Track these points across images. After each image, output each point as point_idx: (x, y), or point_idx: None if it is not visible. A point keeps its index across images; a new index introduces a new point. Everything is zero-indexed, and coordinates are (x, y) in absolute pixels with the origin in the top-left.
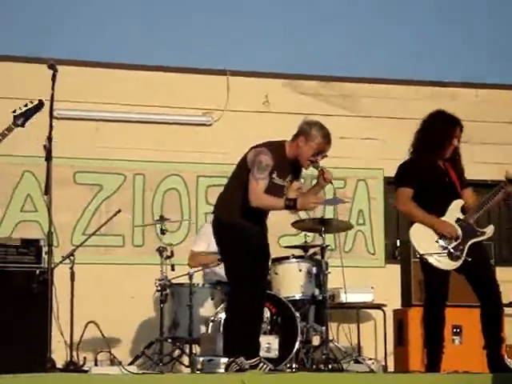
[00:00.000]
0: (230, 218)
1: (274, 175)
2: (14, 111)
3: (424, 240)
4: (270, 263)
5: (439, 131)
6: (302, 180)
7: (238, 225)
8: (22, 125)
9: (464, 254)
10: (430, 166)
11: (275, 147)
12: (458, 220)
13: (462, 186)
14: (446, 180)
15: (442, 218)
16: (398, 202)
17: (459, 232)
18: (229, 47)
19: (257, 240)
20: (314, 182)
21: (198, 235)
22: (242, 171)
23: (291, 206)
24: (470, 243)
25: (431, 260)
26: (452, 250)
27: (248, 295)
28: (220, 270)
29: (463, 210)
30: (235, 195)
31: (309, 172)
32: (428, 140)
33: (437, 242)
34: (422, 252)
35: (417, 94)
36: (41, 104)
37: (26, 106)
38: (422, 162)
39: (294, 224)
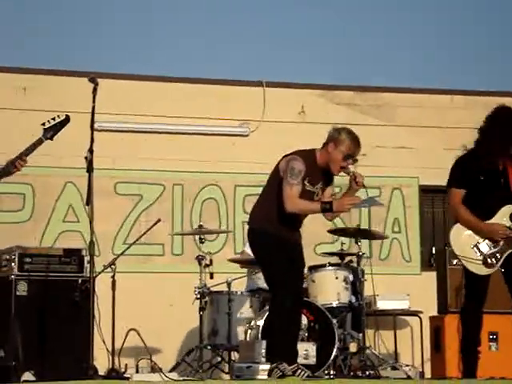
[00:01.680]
0: (264, 227)
1: (306, 181)
2: (44, 124)
3: (462, 243)
4: (306, 271)
5: (506, 126)
6: (337, 189)
7: (272, 233)
8: (51, 138)
9: (499, 263)
10: (486, 165)
11: (306, 154)
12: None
13: None
14: (501, 181)
15: (487, 223)
16: (449, 202)
17: (508, 232)
18: (265, 58)
19: (291, 247)
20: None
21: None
22: (275, 180)
23: (327, 208)
24: (508, 252)
25: (466, 264)
26: (488, 258)
27: (287, 302)
28: (260, 277)
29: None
30: (269, 204)
31: (346, 181)
32: (496, 136)
33: (476, 246)
34: (459, 253)
35: (451, 103)
36: (67, 119)
37: (53, 119)
38: (478, 159)
39: (330, 231)
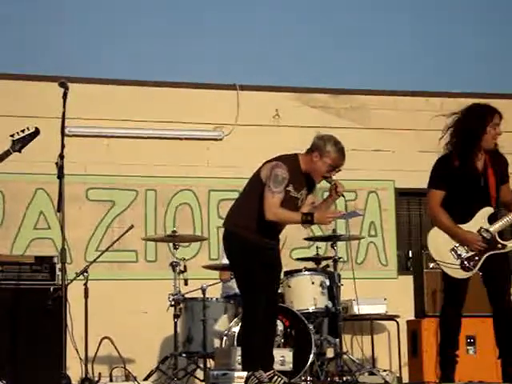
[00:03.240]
0: (241, 232)
1: (291, 188)
2: (13, 135)
3: (440, 247)
4: (282, 276)
5: (474, 121)
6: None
7: (249, 238)
8: (19, 150)
9: (477, 267)
10: (464, 165)
11: (290, 161)
12: (480, 229)
13: (501, 182)
14: (480, 182)
15: (466, 225)
16: (428, 204)
17: (483, 245)
18: (239, 61)
19: (267, 253)
20: (325, 194)
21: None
22: (256, 186)
23: (308, 220)
24: (487, 255)
25: (443, 267)
26: (465, 262)
27: (260, 308)
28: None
29: (490, 218)
30: (248, 211)
31: (320, 185)
32: (464, 132)
33: (453, 249)
34: (436, 258)
35: (426, 105)
36: (37, 132)
37: (22, 131)
38: (456, 159)
39: (307, 238)
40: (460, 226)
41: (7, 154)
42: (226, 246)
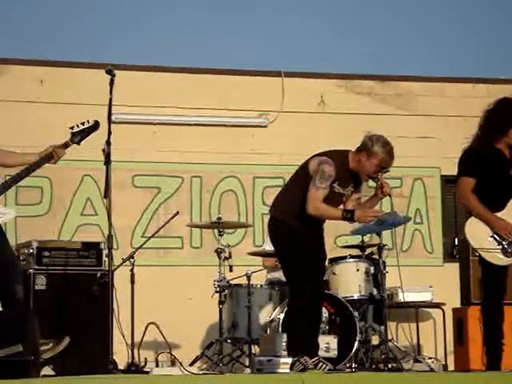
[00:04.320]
0: (286, 220)
1: (336, 184)
2: (72, 128)
3: (479, 234)
4: (326, 263)
5: (502, 115)
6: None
7: (294, 226)
8: (78, 143)
9: None
10: (493, 155)
11: (339, 158)
12: None
13: None
14: (509, 171)
15: (500, 213)
16: (458, 192)
17: None
18: (283, 48)
19: (312, 240)
20: (371, 181)
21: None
22: (303, 177)
23: (348, 217)
24: None
25: (485, 255)
26: (506, 246)
27: (306, 293)
28: (280, 270)
29: None
30: (293, 200)
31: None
32: (491, 125)
33: (492, 236)
34: (476, 247)
35: (473, 91)
36: (97, 125)
37: (82, 124)
38: (484, 149)
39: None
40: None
41: (66, 145)
42: (271, 232)
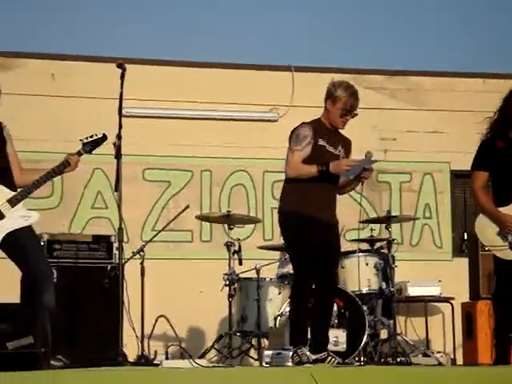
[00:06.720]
0: (293, 208)
1: (323, 142)
2: (82, 140)
3: (487, 230)
4: (337, 255)
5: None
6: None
7: (301, 216)
8: (90, 152)
9: None
10: (503, 148)
11: (312, 121)
12: None
13: None
14: None
15: (505, 208)
16: (472, 185)
17: None
18: (294, 43)
19: (322, 229)
20: (380, 175)
21: None
22: None
23: (324, 170)
24: None
25: (494, 251)
26: None
27: (304, 294)
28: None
29: None
30: (296, 187)
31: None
32: (501, 117)
33: (499, 232)
34: (485, 243)
35: (483, 86)
36: (105, 137)
37: (91, 136)
38: (500, 141)
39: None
40: (503, 207)
41: (79, 153)
42: (279, 224)
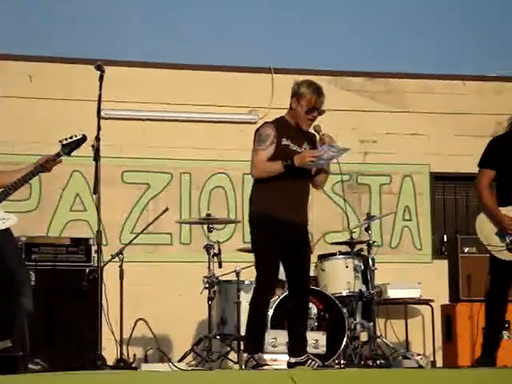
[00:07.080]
0: (260, 209)
1: (287, 141)
2: (61, 141)
3: (487, 230)
4: (316, 259)
5: None
6: (348, 176)
7: (267, 215)
8: (69, 154)
9: None
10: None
11: (275, 120)
12: None
13: None
14: None
15: (505, 208)
16: (477, 182)
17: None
18: (273, 45)
19: (289, 229)
20: (360, 178)
21: None
22: None
23: (289, 164)
24: None
25: (492, 251)
26: (510, 244)
27: (261, 290)
28: None
29: None
30: (262, 185)
31: (354, 169)
32: None
33: (497, 233)
34: (484, 242)
35: (463, 88)
36: (85, 138)
37: (71, 138)
38: (505, 140)
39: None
40: (504, 207)
41: (58, 155)
42: (249, 226)
